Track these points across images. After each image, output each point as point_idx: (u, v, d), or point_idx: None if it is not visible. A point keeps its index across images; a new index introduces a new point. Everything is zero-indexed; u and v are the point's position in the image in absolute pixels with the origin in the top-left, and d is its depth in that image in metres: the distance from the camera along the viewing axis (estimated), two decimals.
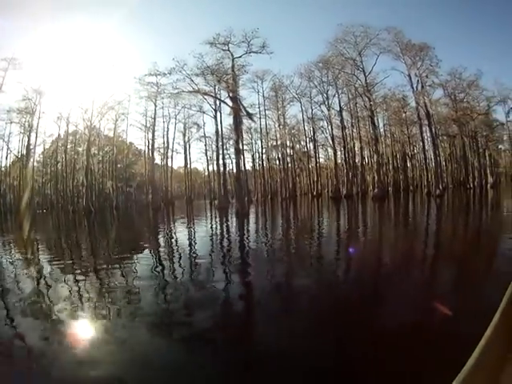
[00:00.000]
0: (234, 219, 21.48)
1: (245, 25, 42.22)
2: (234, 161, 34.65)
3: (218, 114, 36.16)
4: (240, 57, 31.34)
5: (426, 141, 35.95)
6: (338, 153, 36.96)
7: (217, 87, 33.85)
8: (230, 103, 29.45)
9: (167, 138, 43.09)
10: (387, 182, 38.06)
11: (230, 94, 29.65)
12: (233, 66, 31.08)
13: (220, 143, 35.38)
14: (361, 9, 71.52)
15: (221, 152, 35.43)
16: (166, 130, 42.71)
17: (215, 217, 24.92)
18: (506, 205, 23.08)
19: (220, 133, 35.79)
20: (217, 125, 35.31)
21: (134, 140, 52.12)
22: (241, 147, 39.02)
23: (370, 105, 33.11)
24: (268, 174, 40.92)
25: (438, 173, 32.77)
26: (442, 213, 20.35)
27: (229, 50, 30.90)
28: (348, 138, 37.14)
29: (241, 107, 29.84)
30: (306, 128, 39.50)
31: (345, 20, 56.55)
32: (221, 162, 35.20)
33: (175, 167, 54.04)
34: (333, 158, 36.87)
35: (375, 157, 31.46)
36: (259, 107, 40.15)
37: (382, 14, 79.86)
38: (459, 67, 41.34)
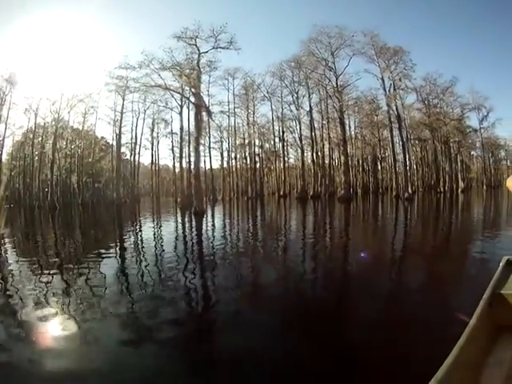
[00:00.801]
0: (187, 219, 20.31)
1: (219, 20, 40.79)
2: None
3: (186, 110, 34.94)
4: (207, 52, 30.27)
5: (397, 144, 35.42)
6: (308, 154, 36.20)
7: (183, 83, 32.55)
8: (193, 99, 28.34)
9: (136, 133, 41.66)
10: (356, 184, 37.59)
11: (193, 90, 28.56)
12: (198, 61, 29.95)
13: (186, 140, 34.16)
14: (338, 11, 71.64)
15: (186, 149, 34.24)
16: (134, 125, 41.27)
17: (170, 215, 23.59)
18: (470, 209, 22.92)
19: (187, 129, 34.62)
20: (182, 121, 34.14)
21: (102, 134, 50.24)
22: (202, 145, 38.11)
23: (340, 106, 32.41)
24: (235, 173, 39.76)
25: (406, 176, 32.32)
26: (401, 215, 19.78)
27: (195, 45, 29.80)
28: (318, 139, 36.42)
29: (203, 104, 28.77)
30: (276, 127, 38.71)
31: (322, 20, 56.37)
32: (187, 159, 33.92)
33: (146, 163, 52.63)
34: (306, 159, 36.11)
35: (342, 158, 30.75)
36: (229, 105, 39.21)
37: (359, 17, 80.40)
38: (434, 73, 41.46)
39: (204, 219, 18.58)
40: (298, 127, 35.85)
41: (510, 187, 1.81)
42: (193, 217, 20.01)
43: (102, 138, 48.08)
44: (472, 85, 51.88)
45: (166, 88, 29.72)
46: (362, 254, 7.67)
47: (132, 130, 41.63)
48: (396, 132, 35.04)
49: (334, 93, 33.35)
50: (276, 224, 15.39)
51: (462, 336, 1.49)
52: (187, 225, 16.82)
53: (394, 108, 34.11)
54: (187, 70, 29.23)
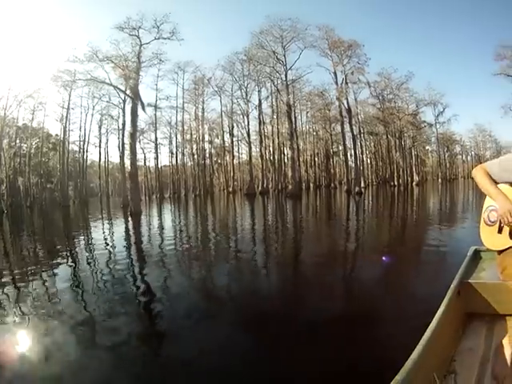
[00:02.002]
0: (118, 221, 18.59)
1: (170, 11, 39.20)
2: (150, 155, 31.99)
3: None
4: (149, 43, 28.92)
5: (350, 139, 35.24)
6: (257, 149, 35.42)
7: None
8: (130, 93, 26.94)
9: (85, 130, 39.62)
10: (308, 179, 37.24)
11: (130, 83, 27.13)
12: (139, 53, 28.59)
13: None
14: (295, 5, 71.41)
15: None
16: (84, 121, 39.24)
17: (106, 218, 21.59)
18: (416, 202, 22.63)
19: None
20: (124, 116, 32.50)
21: (52, 132, 47.71)
22: (150, 141, 36.68)
23: (288, 100, 31.85)
24: (184, 170, 38.48)
25: (357, 170, 32.17)
26: (344, 210, 19.21)
27: (137, 36, 28.40)
28: (269, 134, 35.75)
29: (138, 97, 27.42)
30: (225, 123, 37.69)
31: (276, 13, 55.68)
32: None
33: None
34: (254, 154, 35.29)
35: (290, 153, 30.16)
36: (177, 100, 37.86)
37: (318, 12, 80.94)
38: (389, 68, 41.67)
39: (137, 221, 16.95)
40: (244, 122, 34.98)
41: (475, 177, 1.82)
42: (127, 218, 18.56)
43: (50, 135, 45.73)
44: (429, 82, 53.25)
45: (101, 82, 28.19)
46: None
47: (81, 126, 39.59)
48: (347, 126, 34.93)
49: (283, 87, 32.75)
50: (204, 225, 14.06)
51: (430, 325, 1.45)
52: (116, 228, 14.99)
53: (345, 102, 33.86)
54: (125, 62, 27.81)
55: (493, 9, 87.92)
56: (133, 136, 25.03)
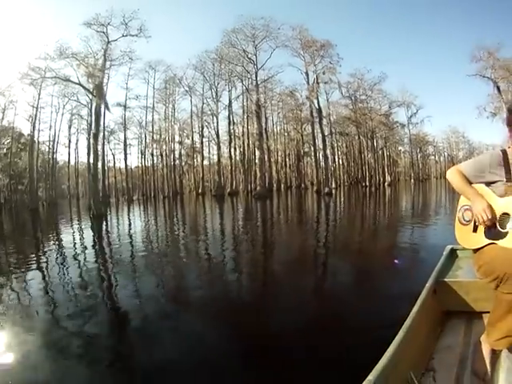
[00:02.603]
0: (77, 225, 17.82)
1: (141, 8, 38.63)
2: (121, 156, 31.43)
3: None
4: (116, 40, 28.56)
5: (320, 139, 35.52)
6: (227, 149, 35.38)
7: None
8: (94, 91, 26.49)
9: (55, 130, 38.76)
10: (279, 180, 37.41)
11: (96, 81, 26.72)
12: (105, 50, 28.22)
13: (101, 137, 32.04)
14: (270, 5, 71.37)
15: (100, 147, 32.09)
16: (54, 121, 38.38)
17: (69, 221, 20.85)
18: (389, 202, 22.69)
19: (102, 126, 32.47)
20: (91, 116, 31.90)
21: (24, 132, 46.47)
22: (120, 141, 36.19)
23: (257, 99, 31.95)
24: (153, 171, 38.13)
25: (327, 171, 32.47)
26: (310, 211, 18.98)
27: (104, 32, 28.03)
28: (240, 134, 35.77)
29: (102, 96, 27.04)
30: (196, 123, 37.37)
31: (249, 12, 55.58)
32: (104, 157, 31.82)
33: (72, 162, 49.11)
34: (226, 155, 35.26)
35: (258, 154, 30.27)
36: (147, 99, 37.48)
37: (294, 12, 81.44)
38: (362, 69, 42.20)
39: (96, 224, 16.43)
40: (214, 122, 34.89)
41: (450, 179, 1.86)
42: (87, 222, 18.03)
43: (22, 135, 44.56)
44: (403, 84, 54.30)
45: (67, 80, 27.59)
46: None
47: (51, 126, 38.69)
48: (318, 127, 35.21)
49: (253, 86, 32.86)
50: (162, 228, 13.72)
51: (404, 323, 1.44)
52: (75, 232, 14.35)
53: (316, 102, 34.14)
54: (91, 60, 27.43)
55: (469, 10, 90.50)
56: (96, 136, 24.55)
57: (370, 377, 1.09)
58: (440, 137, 69.42)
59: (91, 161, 32.07)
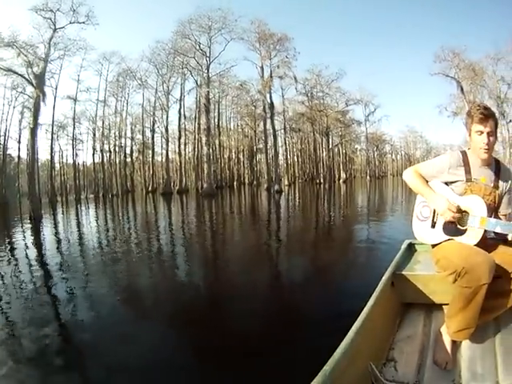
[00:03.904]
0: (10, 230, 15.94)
1: None
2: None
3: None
4: (63, 27, 26.64)
5: (273, 136, 34.98)
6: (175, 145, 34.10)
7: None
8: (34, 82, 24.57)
9: (6, 123, 35.63)
10: (232, 177, 36.72)
11: (36, 71, 24.87)
12: (51, 38, 26.33)
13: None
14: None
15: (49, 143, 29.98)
16: (6, 114, 35.26)
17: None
18: (340, 199, 22.55)
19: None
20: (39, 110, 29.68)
21: None
22: (68, 137, 34.07)
23: (207, 93, 30.90)
24: (103, 168, 36.04)
25: (277, 168, 31.99)
26: (256, 209, 18.45)
27: (51, 19, 26.13)
28: (192, 130, 34.59)
29: (41, 87, 25.13)
30: (148, 118, 35.70)
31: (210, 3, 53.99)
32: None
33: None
34: (181, 151, 33.88)
35: (205, 150, 29.28)
36: (98, 92, 35.27)
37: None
38: (320, 65, 41.85)
39: (32, 227, 14.75)
40: (164, 117, 33.46)
41: (406, 180, 1.90)
42: (23, 225, 16.09)
43: None
44: (361, 82, 55.01)
45: (7, 70, 25.29)
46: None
47: (2, 120, 35.53)
48: (276, 123, 34.66)
49: (204, 79, 31.71)
50: (97, 231, 12.45)
51: (360, 315, 1.43)
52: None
53: (268, 96, 33.49)
54: (38, 49, 25.64)
55: (432, 11, 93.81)
56: (33, 131, 22.72)
57: (326, 367, 1.08)
58: (398, 136, 71.75)
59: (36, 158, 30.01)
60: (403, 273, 1.98)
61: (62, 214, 22.71)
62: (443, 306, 1.88)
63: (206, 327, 3.33)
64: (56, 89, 30.48)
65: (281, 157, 42.82)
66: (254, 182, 38.85)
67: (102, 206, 26.79)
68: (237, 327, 3.24)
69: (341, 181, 44.90)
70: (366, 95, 46.43)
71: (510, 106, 25.72)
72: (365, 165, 54.80)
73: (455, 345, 1.63)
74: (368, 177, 51.85)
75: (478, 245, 1.66)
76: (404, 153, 74.65)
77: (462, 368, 1.52)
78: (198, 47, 32.89)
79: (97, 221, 16.52)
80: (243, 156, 39.08)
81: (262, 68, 34.78)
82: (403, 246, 2.42)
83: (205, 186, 29.16)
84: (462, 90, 29.41)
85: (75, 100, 34.07)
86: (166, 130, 32.46)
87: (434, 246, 1.85)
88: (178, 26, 32.39)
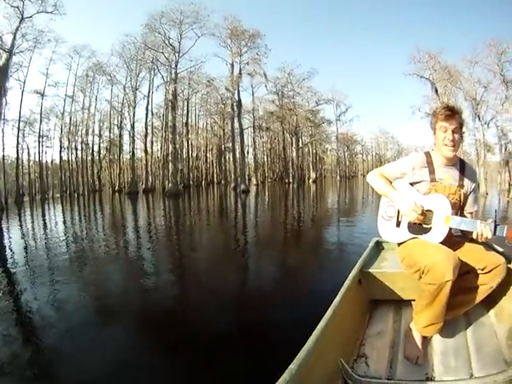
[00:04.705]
0: None
1: None
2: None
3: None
4: (30, 17, 25.56)
5: (240, 135, 34.83)
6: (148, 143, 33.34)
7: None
8: None
9: None
10: (201, 175, 36.45)
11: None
12: (17, 29, 25.28)
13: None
14: None
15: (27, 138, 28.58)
16: None
17: None
18: (308, 199, 22.60)
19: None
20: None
21: None
22: (33, 133, 32.69)
23: (173, 90, 30.42)
24: (70, 166, 34.73)
25: (243, 168, 31.95)
26: (218, 210, 18.21)
27: (18, 8, 25.01)
28: (160, 127, 33.97)
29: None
30: (116, 115, 34.65)
31: None
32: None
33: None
34: (149, 150, 33.22)
35: (170, 148, 28.89)
36: (66, 87, 33.90)
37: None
38: (292, 63, 41.97)
39: None
40: (130, 114, 32.71)
41: (370, 182, 1.93)
42: None
43: None
44: (334, 83, 55.65)
45: None
46: None
47: None
48: (246, 122, 34.60)
49: (171, 75, 31.19)
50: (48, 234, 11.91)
51: (327, 313, 1.41)
52: None
53: (236, 94, 33.35)
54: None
55: (409, 12, 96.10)
56: None
57: (292, 365, 1.05)
58: (369, 137, 73.49)
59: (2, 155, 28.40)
60: (370, 270, 1.99)
61: (22, 215, 21.93)
62: (412, 302, 1.88)
63: (169, 329, 3.31)
64: (24, 83, 29.13)
65: (250, 156, 43.07)
66: (223, 182, 38.70)
67: (65, 206, 25.93)
68: (199, 329, 3.23)
69: (310, 180, 45.49)
70: (337, 95, 47.14)
71: (486, 108, 25.97)
72: (335, 165, 55.70)
73: (426, 340, 1.65)
74: (338, 177, 52.79)
75: (443, 243, 1.68)
76: (375, 153, 76.61)
77: (435, 362, 1.53)
78: (167, 42, 32.32)
79: (47, 223, 16.08)
80: (212, 155, 38.76)
81: (232, 65, 34.54)
82: (370, 244, 2.44)
83: (170, 185, 28.76)
84: (436, 91, 29.47)
85: (43, 95, 32.69)
86: (132, 126, 31.72)
87: (399, 244, 1.88)
88: (149, 19, 31.68)
